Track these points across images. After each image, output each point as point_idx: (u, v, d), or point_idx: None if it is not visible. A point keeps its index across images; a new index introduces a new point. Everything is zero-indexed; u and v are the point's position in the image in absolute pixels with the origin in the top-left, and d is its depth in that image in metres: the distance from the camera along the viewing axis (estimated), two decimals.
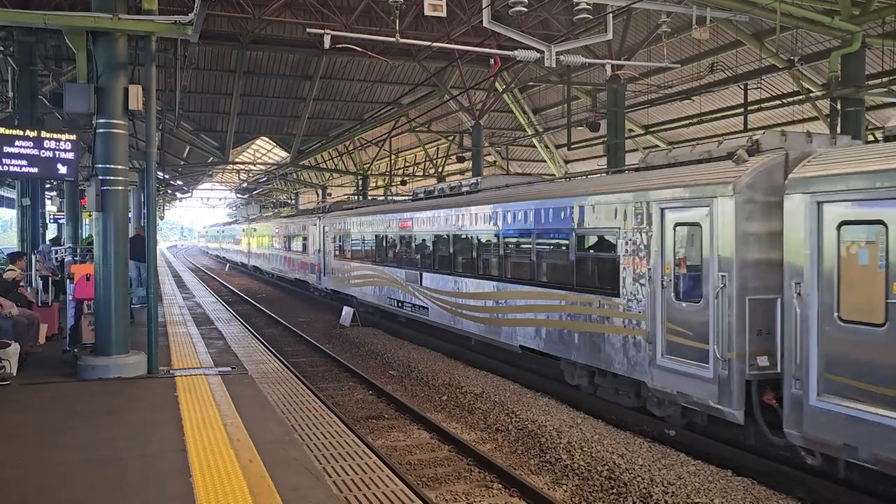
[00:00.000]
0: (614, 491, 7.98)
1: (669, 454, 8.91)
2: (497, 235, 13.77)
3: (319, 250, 27.34)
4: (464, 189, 16.54)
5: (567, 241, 11.56)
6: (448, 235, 15.89)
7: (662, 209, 9.41)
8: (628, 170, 12.40)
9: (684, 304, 9.02)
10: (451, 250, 15.75)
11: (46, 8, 14.95)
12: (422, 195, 19.19)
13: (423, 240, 17.41)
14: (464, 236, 15.24)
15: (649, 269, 9.57)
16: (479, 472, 8.80)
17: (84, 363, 8.83)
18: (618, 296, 10.16)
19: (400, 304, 18.65)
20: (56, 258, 16.61)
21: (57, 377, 8.79)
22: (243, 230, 51.48)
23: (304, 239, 30.27)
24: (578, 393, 12.06)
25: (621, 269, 10.13)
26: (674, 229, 9.25)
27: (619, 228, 10.19)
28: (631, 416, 10.73)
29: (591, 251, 11.28)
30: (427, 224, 17.09)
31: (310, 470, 5.66)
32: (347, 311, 21.57)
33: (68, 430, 6.67)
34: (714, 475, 8.14)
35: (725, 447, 9.19)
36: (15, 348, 8.84)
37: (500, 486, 8.34)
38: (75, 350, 9.60)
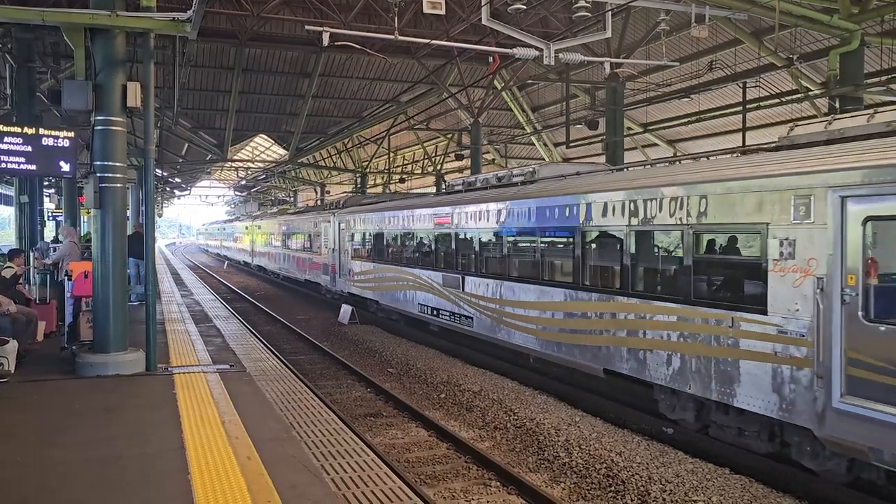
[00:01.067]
0: (612, 489, 7.99)
1: (667, 452, 8.92)
2: (571, 234, 11.39)
3: (334, 249, 25.03)
4: (516, 179, 14.24)
5: (679, 241, 9.16)
6: (499, 234, 13.71)
7: (843, 198, 7.11)
8: (759, 149, 9.71)
9: (881, 328, 6.74)
10: (504, 251, 13.57)
11: (45, 5, 14.92)
12: (459, 187, 16.93)
13: (467, 239, 15.12)
14: (520, 235, 13.15)
15: (820, 279, 7.30)
16: (478, 470, 8.81)
17: (82, 360, 8.83)
18: (764, 312, 7.88)
19: (434, 313, 16.41)
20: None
21: (55, 374, 8.79)
22: (246, 227, 49.32)
23: (316, 237, 28.15)
24: (577, 391, 12.06)
25: (770, 277, 7.83)
26: (862, 225, 6.98)
27: (767, 224, 7.87)
28: (629, 415, 10.74)
29: (719, 254, 8.92)
30: (471, 220, 14.78)
31: (308, 467, 5.66)
32: (346, 309, 21.56)
33: (67, 428, 6.67)
34: (712, 473, 8.14)
35: (723, 445, 9.19)
36: (13, 345, 8.84)
37: (498, 483, 8.35)
38: (73, 347, 9.60)
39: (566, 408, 11.09)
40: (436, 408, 11.88)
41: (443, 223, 16.21)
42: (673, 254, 9.44)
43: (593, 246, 11.19)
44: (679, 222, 9.10)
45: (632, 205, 9.95)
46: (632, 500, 7.66)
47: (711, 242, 9.04)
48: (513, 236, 13.47)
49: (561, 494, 8.06)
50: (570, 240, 11.51)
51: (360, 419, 11.12)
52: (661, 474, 8.11)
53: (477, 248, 14.69)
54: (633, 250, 10.02)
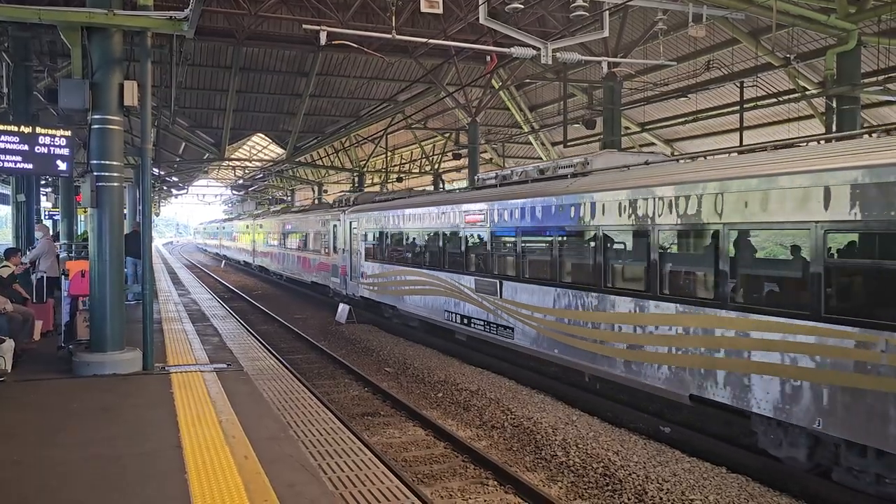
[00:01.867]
0: (609, 488, 8.00)
1: (664, 451, 8.93)
2: (643, 233, 9.76)
3: (344, 250, 23.30)
4: (563, 172, 12.57)
5: (808, 242, 7.43)
6: (546, 234, 12.28)
7: None
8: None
9: None
10: (554, 254, 11.93)
11: (41, 3, 14.89)
12: (492, 181, 15.28)
13: (505, 239, 13.66)
14: (574, 235, 11.62)
15: None
16: (475, 469, 8.82)
17: (79, 360, 8.82)
18: None
19: (465, 321, 14.84)
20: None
21: (52, 374, 8.77)
22: (247, 226, 47.68)
23: (324, 237, 26.54)
24: (574, 390, 12.06)
25: None
26: None
27: None
28: (626, 414, 10.75)
29: (867, 259, 7.15)
30: (511, 218, 13.16)
31: (305, 467, 5.66)
32: (343, 308, 21.54)
33: (65, 427, 6.66)
34: (709, 472, 8.16)
35: (720, 444, 9.21)
36: (9, 345, 8.82)
37: (495, 482, 8.36)
38: (70, 346, 9.58)
39: (563, 407, 11.10)
40: (433, 407, 11.88)
41: (475, 221, 14.57)
42: (794, 259, 7.88)
43: (674, 247, 9.61)
44: (808, 219, 7.31)
45: (734, 198, 8.27)
46: (629, 499, 7.67)
47: (852, 245, 7.51)
48: (564, 237, 11.76)
49: (558, 493, 8.07)
50: (643, 240, 9.79)
51: (358, 418, 11.12)
52: (659, 473, 8.12)
53: (518, 250, 12.99)
54: (733, 253, 8.36)
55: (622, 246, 10.66)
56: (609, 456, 8.74)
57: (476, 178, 16.38)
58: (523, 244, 12.98)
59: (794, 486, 7.84)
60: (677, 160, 11.31)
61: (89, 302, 9.18)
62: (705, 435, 9.59)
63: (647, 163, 11.03)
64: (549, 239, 12.22)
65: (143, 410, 7.29)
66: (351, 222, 22.85)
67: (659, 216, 9.48)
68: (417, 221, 17.66)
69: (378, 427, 10.71)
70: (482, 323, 14.17)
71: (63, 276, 10.30)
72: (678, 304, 9.08)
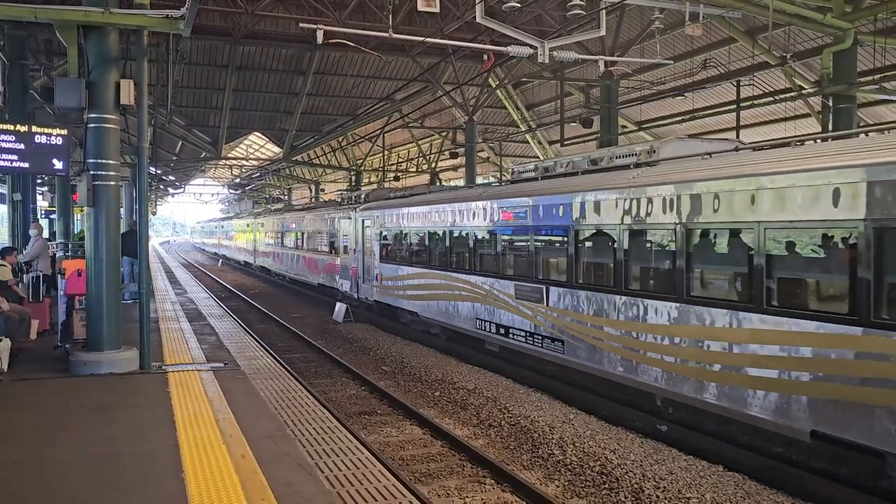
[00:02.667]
0: (606, 486, 8.01)
1: (661, 449, 8.95)
2: (749, 232, 8.16)
3: (356, 250, 21.78)
4: (623, 162, 11.02)
5: None
6: (610, 231, 10.36)
7: None
8: None
9: None
10: (619, 255, 10.12)
11: (37, 2, 14.87)
12: (531, 174, 13.59)
13: (553, 239, 12.04)
14: (643, 235, 9.98)
15: None
16: (472, 468, 8.82)
17: (76, 359, 8.80)
18: None
19: (502, 331, 13.28)
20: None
21: (48, 373, 8.75)
22: (248, 225, 46.04)
23: (333, 236, 24.99)
24: (571, 389, 12.08)
25: None
26: None
27: None
28: (624, 412, 10.76)
29: None
30: (561, 215, 11.62)
31: (302, 465, 5.66)
32: (340, 307, 21.54)
33: (63, 427, 6.64)
34: (706, 470, 8.17)
35: (717, 442, 9.22)
36: (6, 344, 8.81)
37: (492, 481, 8.36)
38: (67, 346, 9.56)
39: (560, 405, 11.11)
40: (430, 406, 11.89)
41: (514, 219, 12.91)
42: None
43: (791, 248, 7.97)
44: None
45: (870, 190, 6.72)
46: (626, 498, 7.68)
47: None
48: (631, 236, 10.04)
49: (555, 492, 8.08)
50: (744, 240, 8.32)
51: (355, 417, 11.12)
52: (655, 472, 8.13)
53: (570, 252, 11.27)
54: (882, 258, 6.72)
55: (713, 247, 9.02)
56: (606, 454, 8.75)
57: (511, 170, 14.67)
58: (576, 245, 11.17)
59: (790, 485, 7.85)
60: (790, 144, 9.15)
61: (86, 301, 9.16)
62: (702, 433, 9.60)
63: (736, 149, 9.56)
64: (611, 239, 10.40)
65: (140, 410, 7.29)
66: (363, 220, 21.29)
67: (766, 211, 7.87)
68: (441, 219, 15.95)
69: (375, 426, 10.71)
70: (523, 334, 12.50)
71: (59, 275, 10.29)
72: (796, 319, 7.51)
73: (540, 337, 12.14)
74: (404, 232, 18.29)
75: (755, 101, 21.23)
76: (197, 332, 12.84)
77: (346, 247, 23.03)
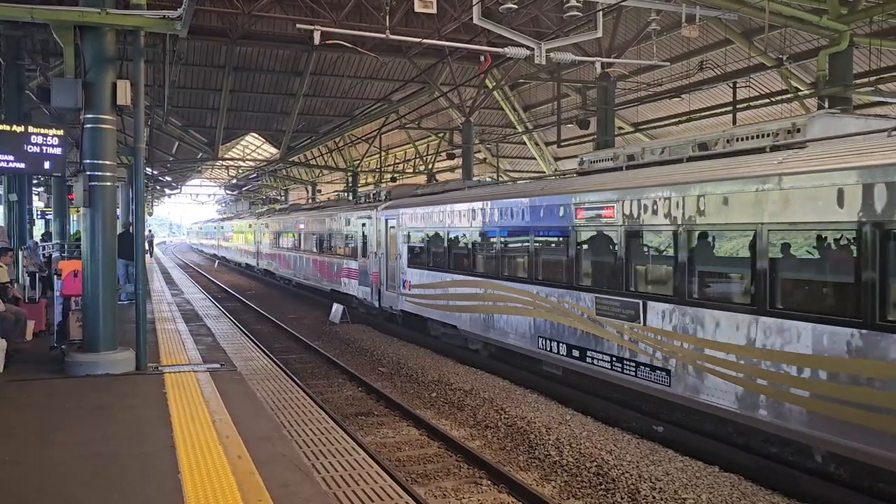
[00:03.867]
0: (602, 487, 8.02)
1: (657, 450, 8.96)
2: None
3: (377, 253, 19.81)
4: (753, 144, 8.95)
5: None
6: (747, 233, 8.16)
7: None
8: None
9: None
10: (760, 263, 7.94)
11: (34, 2, 14.85)
12: (608, 163, 11.52)
13: (654, 241, 9.91)
14: (814, 234, 7.81)
15: None
16: (469, 469, 8.83)
17: (72, 360, 8.79)
18: None
19: (575, 353, 11.08)
20: (43, 254, 16.51)
21: (45, 374, 8.74)
22: (250, 226, 43.73)
23: (348, 238, 22.92)
24: (568, 390, 12.08)
25: None
26: None
27: None
28: (620, 413, 10.77)
29: None
30: (667, 213, 9.23)
31: (299, 466, 5.66)
32: (337, 308, 21.52)
33: (60, 428, 6.64)
34: (702, 471, 8.18)
35: (713, 443, 9.24)
36: (1, 345, 8.81)
37: (489, 482, 8.37)
38: (63, 347, 9.55)
39: (557, 406, 11.12)
40: (427, 407, 11.89)
41: (597, 217, 10.65)
42: None
43: None
44: None
45: None
46: (622, 498, 7.69)
47: None
48: (783, 240, 7.92)
49: (551, 493, 8.09)
50: None
51: (352, 418, 11.12)
52: (652, 472, 8.14)
53: (681, 259, 9.00)
54: None
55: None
56: (602, 455, 8.76)
57: (581, 159, 12.40)
58: (690, 250, 8.94)
59: (786, 485, 7.87)
60: None
61: (82, 302, 9.15)
62: (698, 434, 9.62)
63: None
64: (746, 242, 8.25)
65: (137, 411, 7.28)
66: (386, 220, 19.20)
67: None
68: (488, 219, 13.85)
69: (372, 427, 10.71)
70: (607, 358, 10.30)
71: (56, 276, 10.27)
72: None
73: (632, 363, 9.84)
74: (440, 233, 15.97)
75: (751, 103, 21.27)
76: (193, 332, 12.83)
77: (364, 250, 21.05)
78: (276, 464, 5.66)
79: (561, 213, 11.56)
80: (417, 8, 13.50)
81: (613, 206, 10.28)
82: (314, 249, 27.57)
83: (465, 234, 14.97)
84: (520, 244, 13.04)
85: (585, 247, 11.25)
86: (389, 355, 15.75)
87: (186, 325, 13.97)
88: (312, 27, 13.42)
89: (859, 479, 7.88)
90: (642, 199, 9.74)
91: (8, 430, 6.61)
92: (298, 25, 14.53)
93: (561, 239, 11.78)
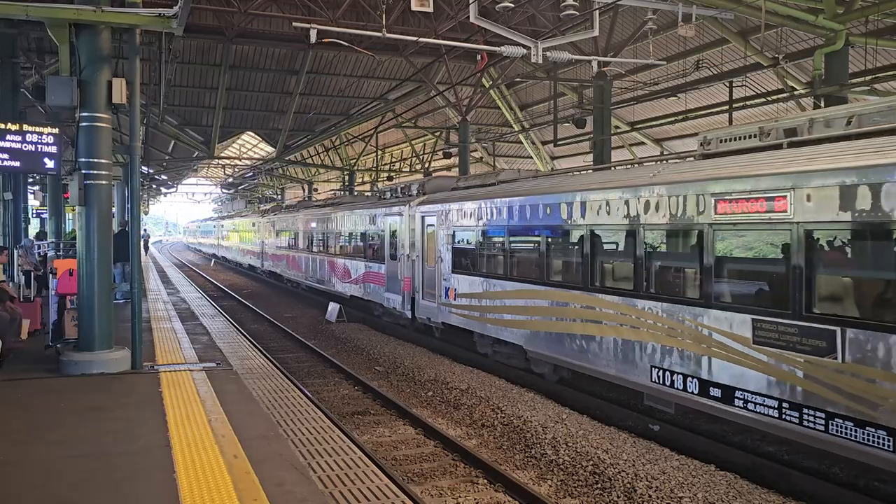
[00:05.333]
0: (599, 486, 8.03)
1: (654, 449, 8.96)
2: None
3: (410, 256, 17.51)
4: None
5: None
6: None
7: None
8: None
9: None
10: None
11: None
12: (755, 140, 8.91)
13: (852, 247, 7.34)
14: None
15: None
16: (465, 468, 8.83)
17: (67, 359, 8.77)
18: None
19: (721, 393, 8.39)
20: (39, 253, 16.47)
21: (40, 373, 8.71)
22: (253, 224, 41.29)
23: (373, 237, 20.43)
24: (564, 389, 12.09)
25: None
26: None
27: None
28: (616, 412, 10.78)
29: None
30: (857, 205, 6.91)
31: (295, 465, 5.65)
32: (333, 307, 21.49)
33: (54, 426, 6.62)
34: (698, 470, 8.19)
35: (709, 442, 9.26)
36: None
37: (485, 481, 8.37)
38: (58, 346, 9.52)
39: (553, 405, 11.12)
40: (423, 406, 11.88)
41: (757, 211, 8.01)
42: None
43: None
44: None
45: None
46: (618, 497, 7.70)
47: None
48: None
49: (548, 492, 8.09)
50: None
51: (348, 417, 11.11)
52: (648, 471, 8.15)
53: None
54: None
55: None
56: (598, 454, 8.76)
57: (704, 137, 9.72)
58: None
59: (782, 484, 7.89)
60: None
61: (77, 301, 9.13)
62: (694, 433, 9.63)
63: None
64: None
65: (132, 410, 7.26)
66: (423, 217, 16.79)
67: None
68: (576, 215, 11.07)
69: (368, 426, 10.70)
70: (772, 402, 7.73)
71: (51, 275, 10.25)
72: None
73: (819, 414, 7.24)
74: (499, 234, 13.48)
75: (748, 102, 21.31)
76: (189, 331, 12.81)
77: (393, 252, 18.59)
78: (272, 463, 5.65)
79: (689, 206, 8.88)
80: (414, 6, 13.47)
81: (786, 197, 7.65)
82: (330, 250, 24.98)
83: (537, 235, 12.20)
84: (620, 247, 10.36)
85: (733, 251, 8.60)
86: (386, 354, 15.74)
87: (182, 323, 13.94)
88: (309, 26, 13.40)
89: (855, 477, 7.90)
90: (819, 186, 7.28)
91: (2, 428, 6.59)
92: (295, 24, 14.50)
93: (688, 241, 9.20)
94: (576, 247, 11.22)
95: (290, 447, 6.34)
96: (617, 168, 13.31)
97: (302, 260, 29.29)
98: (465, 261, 14.78)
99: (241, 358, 12.20)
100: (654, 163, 11.35)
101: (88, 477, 5.36)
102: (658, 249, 9.70)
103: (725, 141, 9.39)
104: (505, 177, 14.97)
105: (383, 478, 6.92)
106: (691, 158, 10.10)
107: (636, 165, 12.03)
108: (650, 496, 7.57)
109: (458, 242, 15.09)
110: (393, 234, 18.70)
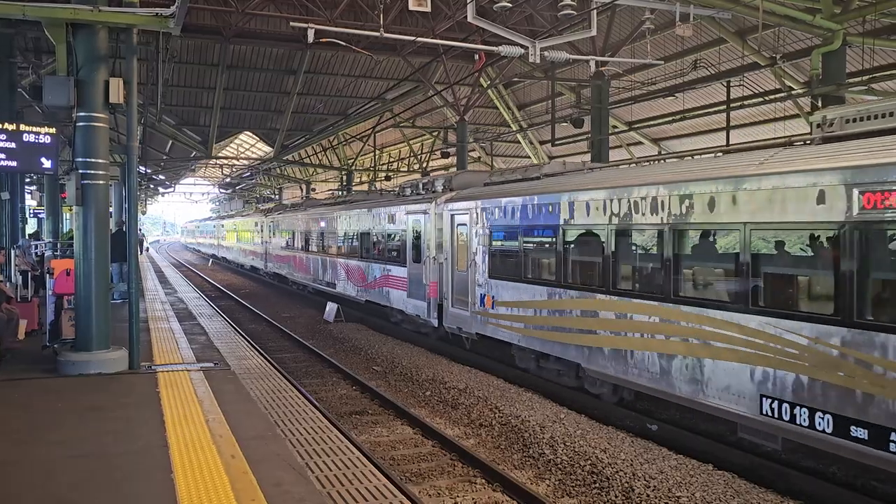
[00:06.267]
0: (597, 485, 8.03)
1: (651, 449, 8.97)
2: None
3: (441, 259, 15.82)
4: None
5: None
6: None
7: None
8: None
9: None
10: None
11: None
12: None
13: None
14: None
15: None
16: (463, 467, 8.83)
17: (64, 359, 8.75)
18: None
19: (870, 435, 6.66)
20: (36, 253, 16.45)
21: (37, 373, 8.70)
22: (256, 224, 39.37)
23: (392, 238, 18.89)
24: (562, 388, 12.09)
25: None
26: None
27: None
28: (614, 412, 10.79)
29: None
30: None
31: (292, 465, 5.64)
32: (331, 307, 21.48)
33: (51, 426, 6.61)
34: (695, 469, 8.20)
35: (707, 442, 9.26)
36: None
37: (483, 480, 8.37)
38: (55, 346, 9.51)
39: (551, 405, 11.12)
40: (421, 405, 11.88)
41: None
42: None
43: None
44: None
45: None
46: (616, 497, 7.70)
47: None
48: None
49: (546, 491, 8.09)
50: None
51: (346, 417, 11.10)
52: (646, 470, 8.15)
53: None
54: None
55: None
56: (596, 454, 8.76)
57: (822, 118, 8.28)
58: None
59: (780, 484, 7.89)
60: None
61: (74, 301, 9.11)
62: (692, 433, 9.64)
63: None
64: None
65: (130, 410, 7.25)
66: (453, 216, 15.22)
67: None
68: (658, 211, 9.29)
69: (366, 426, 10.70)
70: None
71: (48, 275, 10.23)
72: None
73: None
74: (549, 234, 11.76)
75: (745, 102, 21.31)
76: (187, 331, 12.79)
77: (416, 253, 17.08)
78: (270, 463, 5.64)
79: (827, 200, 7.09)
80: (412, 6, 13.48)
81: None
82: (343, 252, 23.27)
83: (600, 236, 10.44)
84: (718, 251, 8.80)
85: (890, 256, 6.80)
86: (383, 354, 15.74)
87: (180, 323, 13.92)
88: (306, 25, 13.39)
89: (853, 477, 7.91)
90: None
91: (1, 429, 6.57)
92: (292, 23, 14.48)
93: (824, 242, 7.42)
94: (656, 250, 9.36)
95: (287, 447, 6.34)
96: (702, 157, 10.88)
97: (310, 262, 27.52)
98: (505, 265, 13.09)
99: (238, 358, 12.19)
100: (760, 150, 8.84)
101: (88, 477, 5.35)
102: (773, 253, 7.95)
103: (854, 121, 7.88)
104: (550, 170, 13.30)
105: (381, 478, 6.92)
106: (800, 143, 8.63)
107: (732, 154, 9.63)
108: (648, 495, 7.58)
109: (498, 244, 13.44)
110: (416, 235, 17.12)
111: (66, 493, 5.06)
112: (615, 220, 10.14)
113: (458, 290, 15.01)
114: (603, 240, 10.36)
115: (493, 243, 13.56)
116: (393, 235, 18.87)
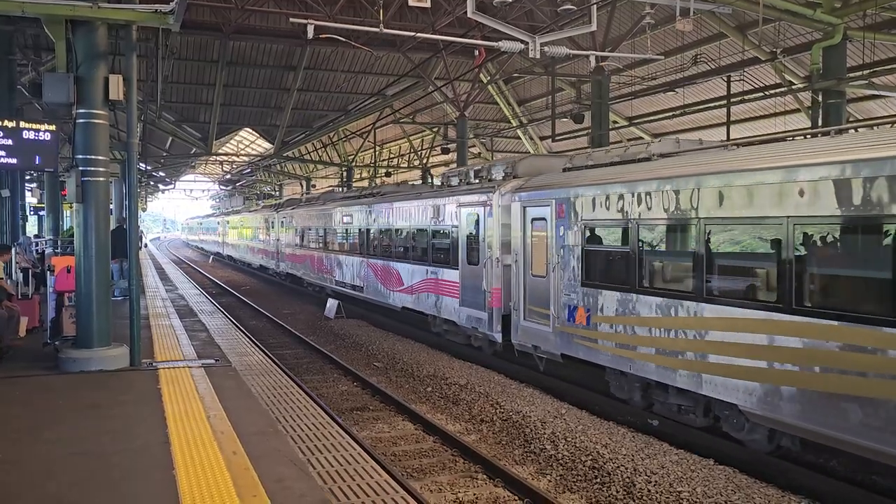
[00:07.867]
0: (598, 480, 8.03)
1: (652, 443, 8.97)
2: None
3: (511, 262, 13.08)
4: None
5: None
6: None
7: None
8: None
9: None
10: None
11: None
12: None
13: None
14: None
15: None
16: (464, 463, 8.83)
17: (65, 356, 8.75)
18: None
19: None
20: (36, 250, 16.45)
21: (38, 370, 8.70)
22: (266, 220, 36.46)
23: (438, 236, 16.37)
24: (562, 384, 12.09)
25: None
26: None
27: None
28: (615, 407, 10.79)
29: None
30: None
31: (294, 461, 5.65)
32: (332, 303, 21.49)
33: (52, 424, 6.61)
34: (696, 464, 8.20)
35: (708, 437, 9.26)
36: None
37: (484, 476, 8.38)
38: (56, 343, 9.51)
39: (552, 400, 11.13)
40: (422, 401, 11.89)
41: None
42: None
43: None
44: None
45: None
46: (617, 492, 7.71)
47: None
48: None
49: (547, 486, 8.10)
50: None
51: (347, 413, 11.11)
52: (647, 465, 8.16)
53: None
54: None
55: None
56: (597, 449, 8.77)
57: None
58: None
59: (780, 479, 7.90)
60: None
61: (75, 298, 9.11)
62: (693, 428, 9.64)
63: None
64: None
65: (131, 407, 7.26)
66: (525, 208, 12.65)
67: None
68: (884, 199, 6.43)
69: (367, 422, 10.71)
70: None
71: (49, 272, 10.23)
72: None
73: None
74: (683, 231, 9.07)
75: (745, 97, 21.30)
76: (188, 328, 12.79)
77: (472, 254, 14.60)
78: (272, 459, 5.65)
79: None
80: (411, 2, 13.45)
81: None
82: (374, 251, 20.45)
83: (775, 233, 7.63)
84: None
85: None
86: (384, 350, 15.75)
87: (181, 320, 13.92)
88: (306, 21, 13.36)
89: (854, 472, 7.92)
90: None
91: (1, 427, 6.58)
92: (292, 19, 14.47)
93: None
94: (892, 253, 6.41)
95: (289, 443, 6.35)
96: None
97: (332, 262, 24.36)
98: (610, 271, 10.51)
99: (239, 354, 12.20)
100: None
101: (88, 475, 5.35)
102: None
103: None
104: (660, 149, 10.59)
105: (382, 473, 6.93)
106: None
107: None
108: (649, 490, 7.58)
109: (595, 243, 10.86)
110: (472, 232, 14.60)
111: (67, 491, 5.06)
112: (804, 211, 7.11)
113: (534, 299, 12.28)
114: (780, 238, 7.49)
115: (591, 242, 10.92)
116: (439, 233, 16.29)
